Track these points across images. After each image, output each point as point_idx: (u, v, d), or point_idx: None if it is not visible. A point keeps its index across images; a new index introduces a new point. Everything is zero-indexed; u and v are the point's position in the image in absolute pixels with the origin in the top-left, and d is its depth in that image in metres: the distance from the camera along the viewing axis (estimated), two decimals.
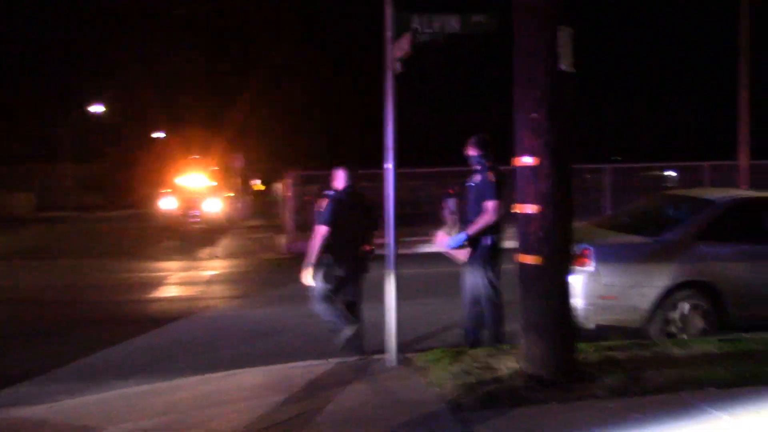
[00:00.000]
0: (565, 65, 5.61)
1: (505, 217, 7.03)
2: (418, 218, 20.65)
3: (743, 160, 19.30)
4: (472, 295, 7.16)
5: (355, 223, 7.29)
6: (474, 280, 7.08)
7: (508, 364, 5.90)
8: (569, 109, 5.73)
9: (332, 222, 7.10)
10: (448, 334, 8.24)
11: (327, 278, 7.16)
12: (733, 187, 15.88)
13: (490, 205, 6.84)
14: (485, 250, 7.00)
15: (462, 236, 6.94)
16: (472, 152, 7.16)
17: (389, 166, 6.38)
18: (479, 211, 6.93)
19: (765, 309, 7.53)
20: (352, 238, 7.28)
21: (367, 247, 7.46)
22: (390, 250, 6.41)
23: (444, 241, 7.17)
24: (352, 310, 7.29)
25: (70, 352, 7.97)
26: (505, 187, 6.96)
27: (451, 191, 7.48)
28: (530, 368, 5.61)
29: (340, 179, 7.46)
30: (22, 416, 5.73)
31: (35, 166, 55.77)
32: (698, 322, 7.33)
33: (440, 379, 5.74)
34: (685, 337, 7.18)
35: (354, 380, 5.96)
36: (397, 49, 6.35)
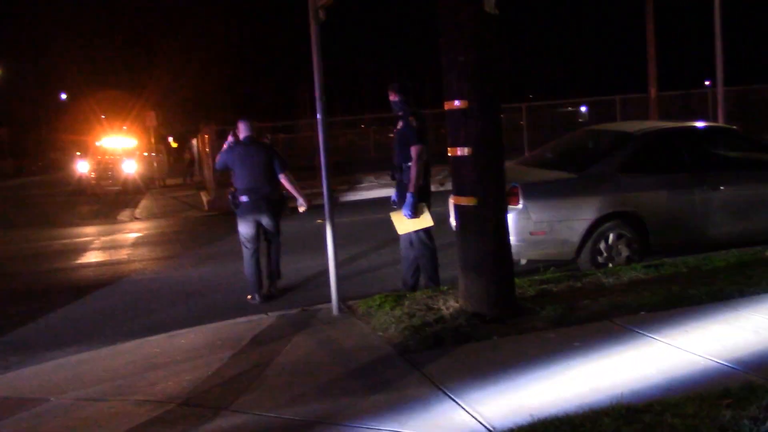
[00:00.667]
0: (488, 7, 5.63)
1: (431, 160, 7.12)
2: (345, 166, 20.77)
3: (653, 92, 19.91)
4: (406, 239, 7.26)
5: (256, 172, 7.99)
6: None
7: (449, 304, 6.04)
8: (495, 51, 5.78)
9: (221, 166, 8.29)
10: (385, 279, 8.35)
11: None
12: (649, 120, 16.45)
13: (413, 150, 6.86)
14: (413, 199, 7.02)
15: (409, 200, 6.82)
16: (393, 98, 7.16)
17: (320, 116, 6.35)
18: (405, 156, 6.97)
19: (683, 234, 7.92)
20: (254, 181, 7.97)
21: (280, 194, 8.26)
22: (326, 201, 6.43)
23: (402, 218, 6.95)
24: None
25: None
26: (426, 131, 7.04)
27: None
28: (471, 306, 5.76)
29: (241, 130, 8.19)
30: None
31: None
32: (624, 251, 7.66)
33: (384, 324, 5.84)
34: (611, 266, 7.49)
35: (299, 332, 5.99)
36: None
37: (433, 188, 7.23)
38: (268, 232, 8.17)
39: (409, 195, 6.84)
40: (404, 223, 6.98)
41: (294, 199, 8.31)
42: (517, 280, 6.22)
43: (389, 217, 7.17)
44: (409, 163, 6.89)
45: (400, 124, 7.11)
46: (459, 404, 4.19)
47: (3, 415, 4.84)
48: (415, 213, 6.85)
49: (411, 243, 7.21)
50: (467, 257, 5.81)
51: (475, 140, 5.65)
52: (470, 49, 5.61)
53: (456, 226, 5.99)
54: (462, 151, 5.70)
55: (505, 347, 5.12)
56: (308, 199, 8.48)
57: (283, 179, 8.14)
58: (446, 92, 5.79)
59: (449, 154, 5.85)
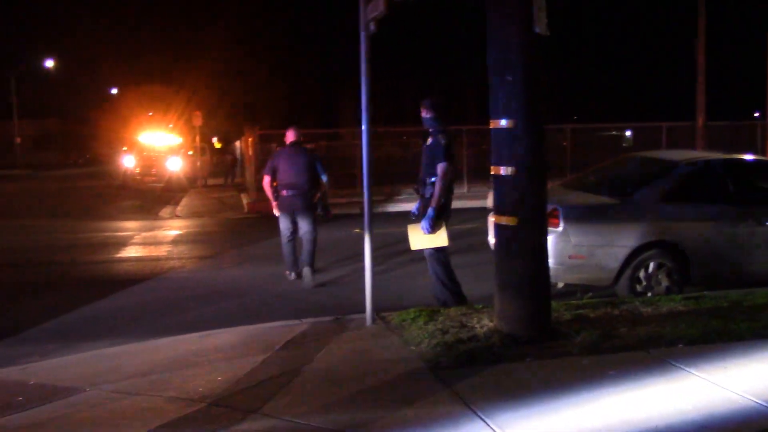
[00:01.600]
0: (539, 28, 5.62)
1: (454, 178, 7.16)
2: (386, 178, 20.80)
3: (700, 121, 19.64)
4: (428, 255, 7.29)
5: (297, 171, 9.21)
6: None
7: (483, 323, 6.01)
8: (543, 72, 5.77)
9: (271, 171, 9.38)
10: (419, 292, 8.32)
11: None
12: (694, 149, 16.23)
13: (440, 167, 6.93)
14: (432, 214, 7.04)
15: (430, 214, 6.92)
16: (425, 114, 7.24)
17: (365, 127, 6.38)
18: (431, 171, 7.05)
19: (725, 267, 7.79)
20: (296, 179, 9.19)
21: (317, 195, 9.42)
22: (366, 211, 6.45)
23: (418, 232, 7.03)
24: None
25: (36, 314, 7.87)
26: (454, 150, 7.07)
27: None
28: (506, 327, 5.73)
29: (289, 136, 9.53)
30: None
31: None
32: (663, 281, 7.54)
33: (417, 338, 5.83)
34: (650, 295, 7.39)
35: (332, 340, 6.01)
36: (372, 9, 6.29)
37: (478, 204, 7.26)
38: (303, 226, 9.31)
39: (430, 210, 6.91)
40: (420, 239, 7.04)
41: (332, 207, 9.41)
42: (553, 304, 6.17)
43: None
44: (434, 179, 6.92)
45: (429, 140, 7.16)
46: (488, 425, 4.17)
47: (39, 401, 4.93)
48: (432, 229, 6.91)
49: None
50: (504, 277, 5.78)
51: (519, 160, 5.63)
52: (519, 69, 5.60)
53: (494, 245, 5.97)
54: (505, 171, 5.69)
55: (538, 370, 5.08)
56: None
57: (324, 180, 9.49)
58: (492, 111, 5.78)
59: (492, 173, 5.84)
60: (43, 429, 4.45)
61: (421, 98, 7.42)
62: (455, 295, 7.13)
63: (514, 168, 5.65)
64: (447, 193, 7.07)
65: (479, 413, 4.33)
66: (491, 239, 7.35)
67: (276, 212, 9.43)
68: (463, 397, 4.60)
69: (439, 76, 38.09)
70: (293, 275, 9.42)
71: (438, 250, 7.10)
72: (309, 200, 9.26)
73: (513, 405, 4.43)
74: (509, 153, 5.67)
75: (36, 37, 48.27)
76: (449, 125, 7.28)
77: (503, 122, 5.68)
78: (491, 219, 6.64)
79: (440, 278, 7.18)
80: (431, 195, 6.99)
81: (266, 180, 9.49)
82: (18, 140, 51.64)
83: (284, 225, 9.38)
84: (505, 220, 5.75)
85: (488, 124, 5.87)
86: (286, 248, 9.45)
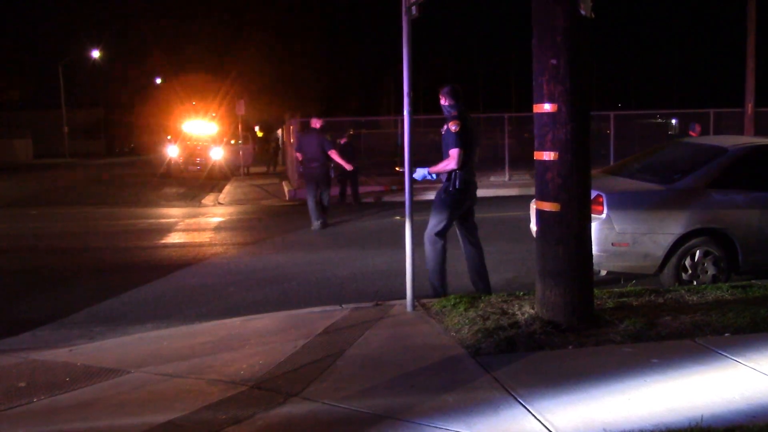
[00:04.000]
0: (584, 10, 5.52)
1: (473, 165, 7.16)
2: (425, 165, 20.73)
3: (750, 108, 19.14)
4: (463, 242, 7.32)
5: (314, 148, 13.03)
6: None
7: (524, 310, 5.96)
8: (588, 56, 5.67)
9: (299, 149, 13.52)
10: (460, 279, 8.28)
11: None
12: (744, 136, 15.85)
13: (451, 152, 6.95)
14: (443, 196, 7.09)
15: (424, 171, 7.11)
16: (443, 102, 7.23)
17: (406, 112, 6.35)
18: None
19: None
20: (315, 157, 13.07)
21: (329, 164, 13.38)
22: (407, 198, 6.43)
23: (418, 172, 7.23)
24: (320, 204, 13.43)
25: (83, 298, 8.03)
26: (470, 136, 7.04)
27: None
28: (547, 314, 5.67)
29: (314, 123, 13.34)
30: (44, 359, 5.78)
31: (31, 113, 55.43)
32: (710, 269, 7.39)
33: (457, 324, 5.81)
34: (696, 283, 7.25)
35: (372, 326, 6.02)
36: None
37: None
38: (321, 188, 13.27)
39: (426, 169, 7.11)
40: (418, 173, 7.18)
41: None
42: (595, 291, 6.08)
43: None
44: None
45: (444, 128, 7.15)
46: (529, 411, 4.13)
47: (85, 382, 5.03)
48: (419, 179, 7.14)
49: (470, 243, 7.21)
50: (546, 264, 5.71)
51: (562, 145, 5.55)
52: (563, 52, 5.51)
53: (537, 232, 5.90)
54: (548, 156, 5.61)
55: (580, 358, 5.02)
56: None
57: (331, 153, 13.10)
58: (535, 95, 5.70)
59: (535, 158, 5.77)
60: (90, 409, 4.54)
61: (463, 85, 7.40)
62: (434, 285, 7.12)
63: (556, 153, 5.57)
64: (469, 177, 7.09)
65: (519, 399, 4.30)
66: (533, 226, 7.28)
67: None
68: (503, 383, 4.57)
69: (481, 63, 37.79)
70: (318, 224, 13.00)
71: (437, 239, 7.08)
72: (326, 169, 13.29)
73: (554, 392, 4.39)
74: (552, 138, 5.59)
75: (82, 28, 49.09)
76: (467, 112, 7.24)
77: (546, 106, 5.60)
78: (533, 205, 6.57)
79: (429, 260, 7.18)
80: (447, 178, 7.04)
81: (298, 156, 13.77)
82: (66, 129, 52.61)
83: (310, 188, 13.24)
84: (547, 206, 5.68)
85: (530, 111, 5.79)
86: (311, 204, 13.13)
